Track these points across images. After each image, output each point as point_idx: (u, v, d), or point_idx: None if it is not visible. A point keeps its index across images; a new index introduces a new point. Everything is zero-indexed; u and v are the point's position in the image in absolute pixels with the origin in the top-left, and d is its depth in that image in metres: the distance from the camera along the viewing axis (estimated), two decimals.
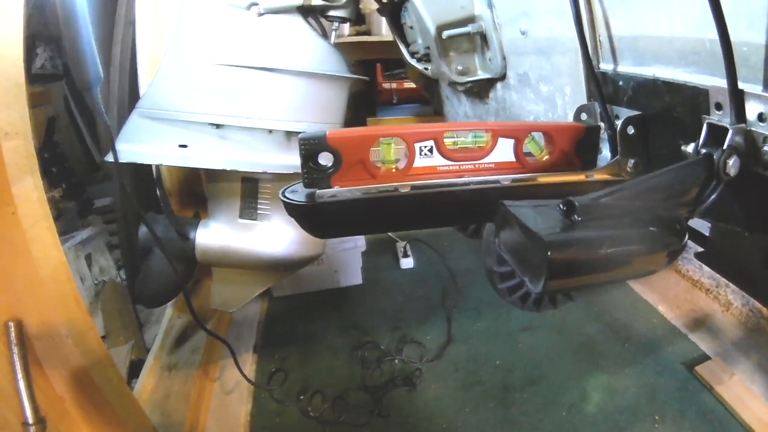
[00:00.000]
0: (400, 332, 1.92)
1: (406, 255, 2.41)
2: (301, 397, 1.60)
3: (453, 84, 1.35)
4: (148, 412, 1.10)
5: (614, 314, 1.93)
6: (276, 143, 1.27)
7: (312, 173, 0.71)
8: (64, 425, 0.87)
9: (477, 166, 0.74)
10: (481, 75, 1.25)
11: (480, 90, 1.35)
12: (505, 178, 0.72)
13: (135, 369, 1.54)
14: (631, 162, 0.77)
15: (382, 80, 2.79)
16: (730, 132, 0.59)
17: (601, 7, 0.81)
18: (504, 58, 1.18)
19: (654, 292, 2.02)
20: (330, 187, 0.71)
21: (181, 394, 1.34)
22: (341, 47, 2.09)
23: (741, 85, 0.61)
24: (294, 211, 0.72)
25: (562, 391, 1.59)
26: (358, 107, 2.84)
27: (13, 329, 0.81)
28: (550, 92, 1.04)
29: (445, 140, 0.72)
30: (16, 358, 0.81)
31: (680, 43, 0.68)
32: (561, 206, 0.55)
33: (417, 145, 0.72)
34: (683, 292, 1.96)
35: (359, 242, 2.18)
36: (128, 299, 1.75)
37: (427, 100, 2.66)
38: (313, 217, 0.73)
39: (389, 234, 2.64)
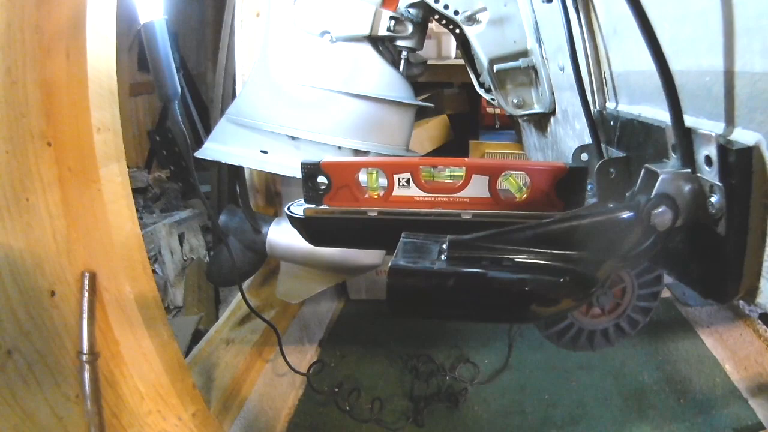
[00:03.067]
0: (459, 351, 1.96)
1: None
2: (336, 390, 1.71)
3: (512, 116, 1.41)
4: (196, 373, 1.28)
5: (677, 365, 1.84)
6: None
7: (309, 192, 0.84)
8: (114, 362, 1.06)
9: (451, 199, 0.81)
10: (537, 109, 1.29)
11: (538, 123, 1.39)
12: (467, 213, 0.78)
13: (200, 338, 1.75)
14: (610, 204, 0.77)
15: (486, 104, 2.82)
16: (660, 177, 0.56)
17: (602, 41, 0.80)
18: (552, 93, 1.22)
19: (725, 349, 1.88)
20: (321, 205, 0.84)
21: (230, 365, 1.51)
22: (446, 69, 2.16)
23: (691, 123, 0.57)
24: (292, 222, 0.86)
25: None
26: (461, 129, 2.91)
27: (87, 278, 1.02)
28: (581, 129, 1.06)
29: (421, 173, 0.81)
30: (85, 301, 1.01)
31: (656, 78, 0.61)
32: (444, 241, 0.59)
33: (395, 176, 0.82)
34: (755, 353, 1.81)
35: None
36: None
37: None
38: (304, 228, 0.86)
39: None
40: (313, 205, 0.83)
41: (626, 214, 0.58)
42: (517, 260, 0.58)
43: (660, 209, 0.56)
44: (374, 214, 0.80)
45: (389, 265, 0.56)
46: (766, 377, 1.71)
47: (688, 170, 0.57)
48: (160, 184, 2.21)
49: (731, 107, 0.54)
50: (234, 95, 1.82)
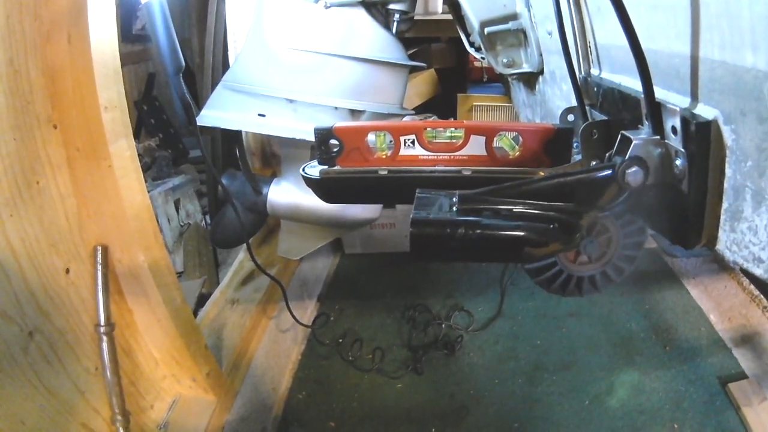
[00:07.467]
0: (453, 300, 2.04)
1: None
2: (340, 341, 1.79)
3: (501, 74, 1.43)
4: (205, 334, 1.35)
5: (663, 315, 1.91)
6: (341, 119, 1.44)
7: (323, 154, 0.90)
8: (129, 332, 1.12)
9: (452, 157, 0.87)
10: (526, 68, 1.32)
11: (527, 81, 1.41)
12: (467, 169, 0.84)
13: (204, 300, 1.82)
14: (593, 163, 0.83)
15: (473, 58, 2.81)
16: (633, 143, 0.64)
17: (588, 15, 0.86)
18: (540, 55, 1.24)
19: (709, 300, 1.94)
20: (335, 166, 0.89)
21: (237, 324, 1.59)
22: (434, 23, 2.18)
23: (661, 96, 0.64)
24: (308, 182, 0.92)
25: (591, 381, 1.62)
26: (449, 83, 2.92)
27: (99, 252, 1.07)
28: (567, 90, 1.10)
29: (425, 135, 0.86)
30: (99, 275, 1.06)
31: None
32: (453, 195, 0.68)
33: (402, 138, 0.87)
34: (739, 304, 1.86)
35: None
36: (208, 241, 2.04)
37: None
38: (320, 187, 0.92)
39: None
40: (327, 167, 0.89)
41: (604, 173, 0.68)
42: (514, 211, 0.68)
43: (633, 169, 0.65)
44: (384, 172, 0.86)
45: (411, 216, 0.63)
46: (749, 329, 1.76)
47: (657, 137, 0.66)
48: (150, 152, 2.22)
49: (695, 86, 0.61)
50: (224, 61, 1.83)
